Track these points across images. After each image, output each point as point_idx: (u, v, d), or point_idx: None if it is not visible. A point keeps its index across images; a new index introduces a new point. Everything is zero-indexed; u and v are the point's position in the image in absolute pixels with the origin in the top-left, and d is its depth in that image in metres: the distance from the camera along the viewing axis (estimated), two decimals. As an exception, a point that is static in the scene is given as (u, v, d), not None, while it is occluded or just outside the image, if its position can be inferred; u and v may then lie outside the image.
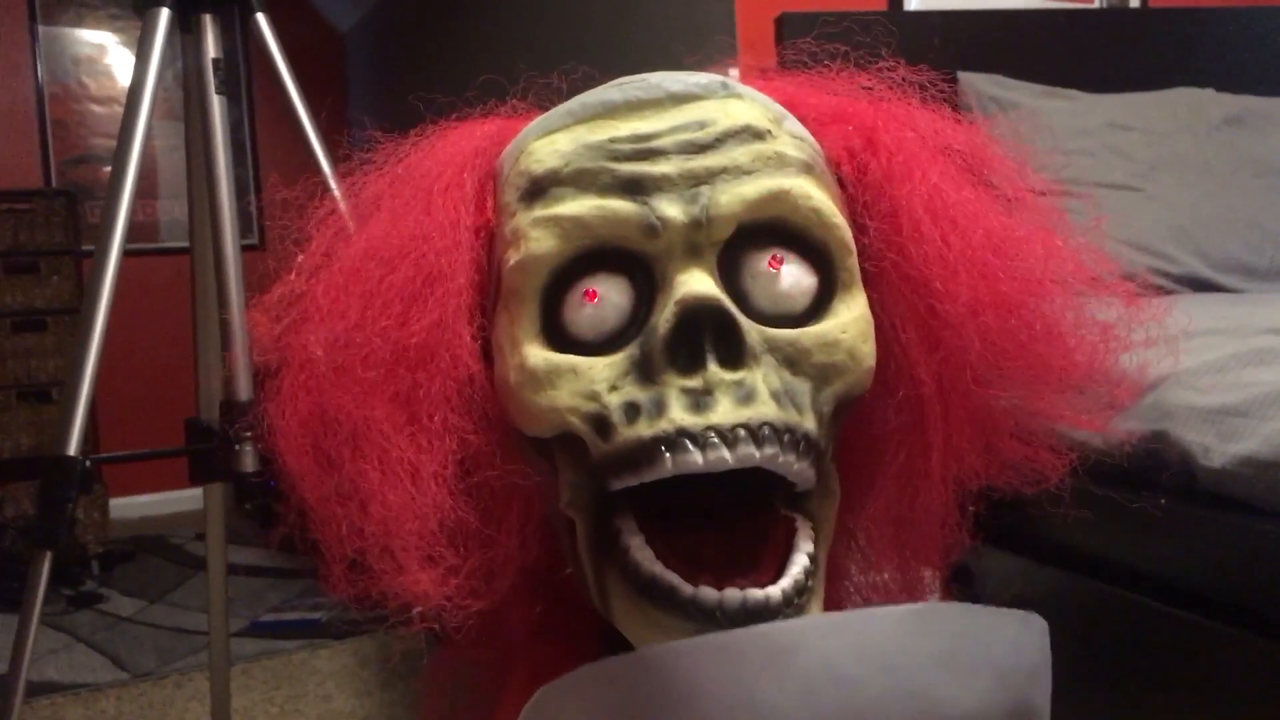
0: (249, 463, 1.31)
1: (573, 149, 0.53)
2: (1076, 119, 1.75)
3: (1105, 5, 2.17)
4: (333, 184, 1.36)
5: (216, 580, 1.55)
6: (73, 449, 1.18)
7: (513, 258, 0.52)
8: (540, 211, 0.52)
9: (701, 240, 0.51)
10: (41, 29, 4.00)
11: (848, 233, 0.54)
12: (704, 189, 0.52)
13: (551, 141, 0.55)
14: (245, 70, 4.24)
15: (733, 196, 0.52)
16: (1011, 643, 0.37)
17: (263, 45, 1.32)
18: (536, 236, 0.52)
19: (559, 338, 0.52)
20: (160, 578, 3.18)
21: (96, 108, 4.07)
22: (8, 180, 3.87)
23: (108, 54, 4.08)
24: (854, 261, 0.54)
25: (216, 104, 1.28)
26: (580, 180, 0.52)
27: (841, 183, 0.58)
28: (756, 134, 0.54)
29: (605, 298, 0.51)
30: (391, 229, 0.56)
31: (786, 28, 1.75)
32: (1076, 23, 2.02)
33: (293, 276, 0.59)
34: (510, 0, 3.04)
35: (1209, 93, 1.87)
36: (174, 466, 1.54)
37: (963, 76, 1.80)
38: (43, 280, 3.54)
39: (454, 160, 0.58)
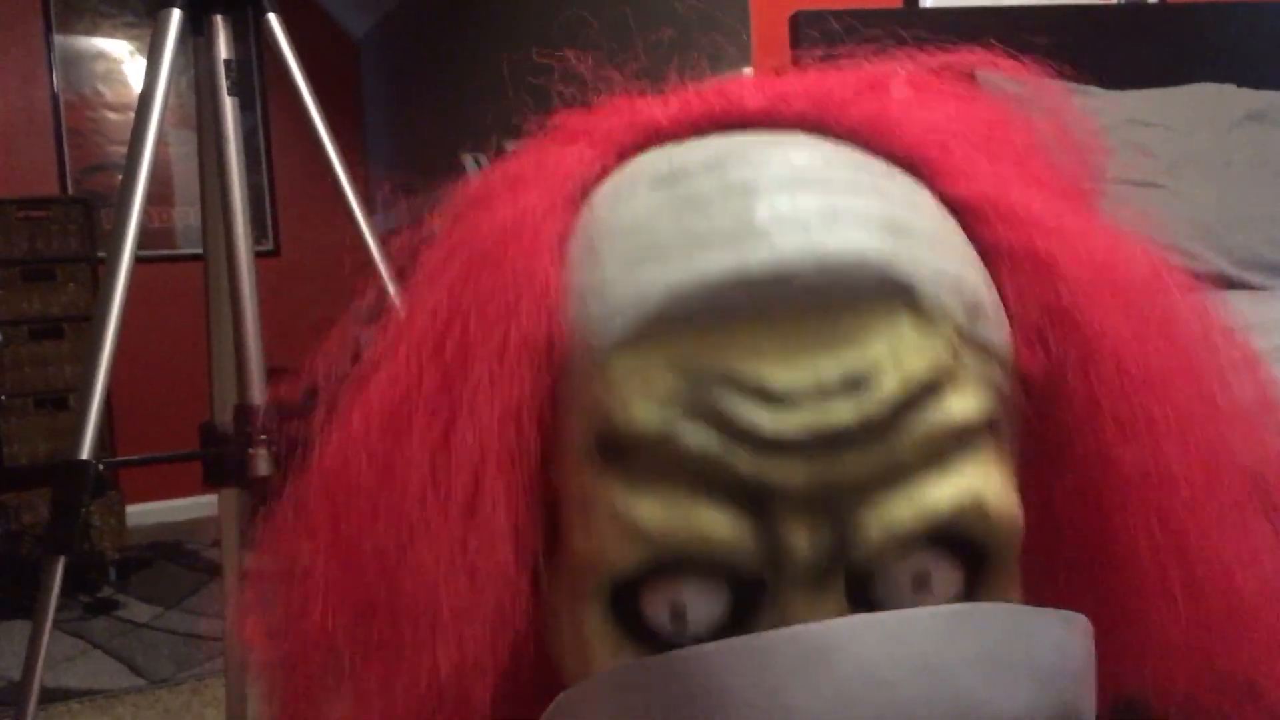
0: (263, 466, 1.30)
1: (669, 386, 0.37)
2: (1096, 115, 1.73)
3: (1123, 0, 2.15)
4: (347, 190, 1.36)
5: (232, 585, 1.54)
6: (86, 452, 1.17)
7: (579, 538, 0.39)
8: (621, 492, 0.38)
9: (833, 567, 0.37)
10: (57, 38, 4.02)
11: (1020, 520, 0.39)
12: (847, 506, 0.36)
13: (641, 360, 0.38)
14: (260, 78, 4.25)
15: (888, 523, 0.36)
16: (1055, 644, 0.35)
17: (275, 46, 1.32)
18: (612, 536, 0.38)
19: (636, 623, 0.39)
20: (177, 584, 3.18)
21: (112, 115, 4.09)
22: (24, 188, 3.89)
23: (123, 62, 4.10)
24: (1018, 547, 0.40)
25: (229, 105, 1.28)
26: (676, 452, 0.37)
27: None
28: (936, 392, 0.37)
29: (693, 610, 0.37)
30: (421, 375, 0.41)
31: (802, 26, 1.73)
32: (1095, 18, 2.00)
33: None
34: (524, 4, 3.03)
35: (1230, 88, 1.85)
36: (191, 473, 1.54)
37: (981, 73, 1.79)
38: (59, 288, 3.56)
39: (513, 271, 0.41)
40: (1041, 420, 0.42)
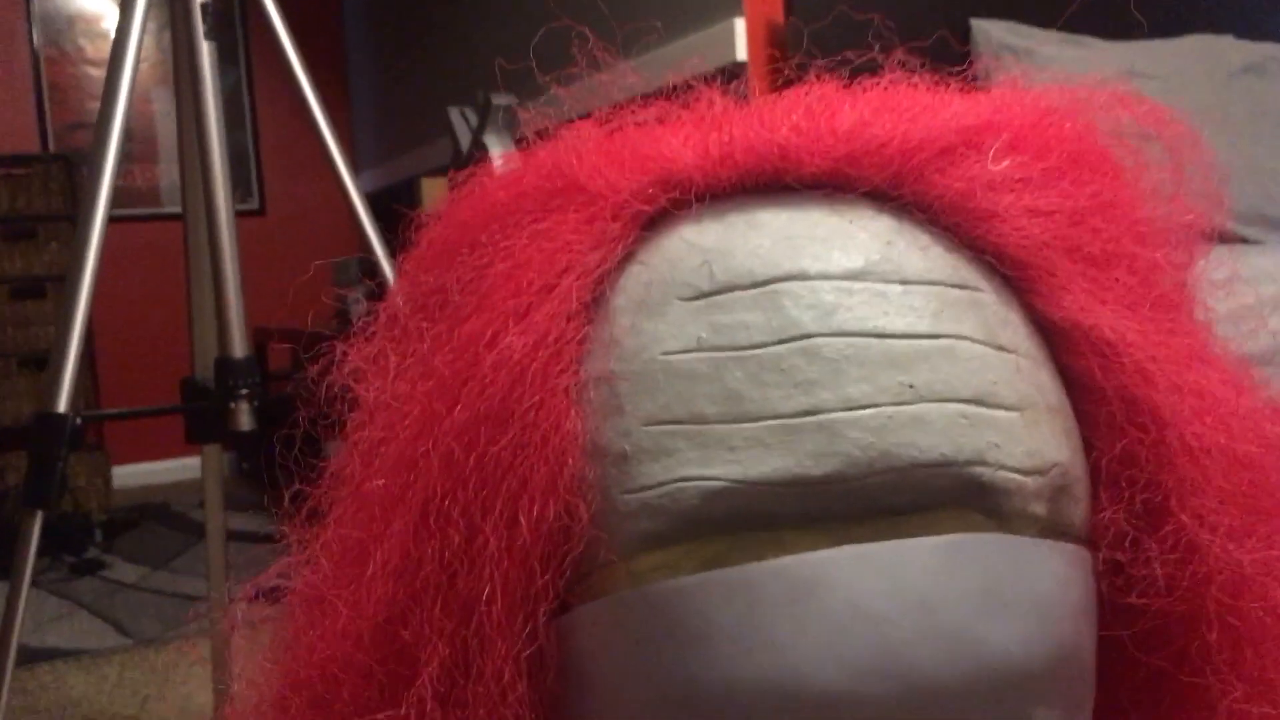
0: (245, 421, 1.28)
1: None
2: (1093, 67, 1.70)
3: (1121, -48, 2.12)
4: (332, 147, 1.32)
5: (215, 542, 1.52)
6: (63, 405, 1.15)
7: None
8: None
9: None
10: (36, -8, 3.95)
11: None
12: None
13: (669, 558, 0.33)
14: (243, 33, 4.19)
15: None
16: (1055, 577, 0.33)
17: (253, -9, 1.29)
18: None
19: None
20: (163, 545, 3.17)
21: (93, 71, 4.02)
22: (4, 145, 3.84)
23: (104, 18, 4.03)
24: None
25: (206, 49, 1.25)
26: None
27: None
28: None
29: None
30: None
31: (794, -26, 1.70)
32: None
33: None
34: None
35: (1228, 40, 1.82)
36: (176, 434, 1.52)
37: (975, 24, 1.76)
38: (41, 246, 3.51)
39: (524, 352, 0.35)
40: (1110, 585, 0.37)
